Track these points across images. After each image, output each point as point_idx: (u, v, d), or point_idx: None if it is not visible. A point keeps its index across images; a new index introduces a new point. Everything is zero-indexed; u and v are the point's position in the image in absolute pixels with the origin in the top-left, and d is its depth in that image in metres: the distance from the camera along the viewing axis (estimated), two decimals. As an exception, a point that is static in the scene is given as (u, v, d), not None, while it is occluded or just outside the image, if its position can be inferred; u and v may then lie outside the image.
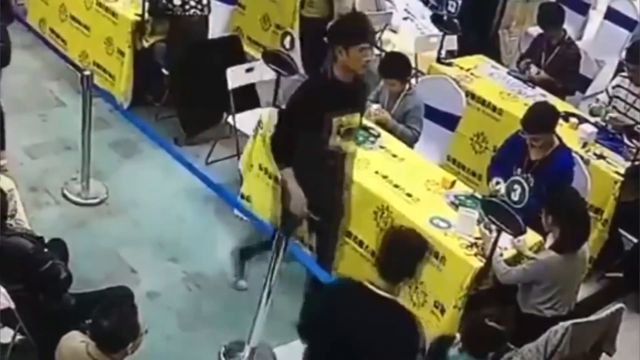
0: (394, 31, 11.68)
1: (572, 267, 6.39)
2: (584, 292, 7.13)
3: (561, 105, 8.61)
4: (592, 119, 8.69)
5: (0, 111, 7.78)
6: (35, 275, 5.73)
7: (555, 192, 6.75)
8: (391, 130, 7.97)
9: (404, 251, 4.86)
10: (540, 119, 7.31)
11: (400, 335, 4.77)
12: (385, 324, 4.78)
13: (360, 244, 7.17)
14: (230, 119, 8.65)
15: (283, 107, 6.55)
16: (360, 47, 6.04)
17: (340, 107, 6.30)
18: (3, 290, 5.50)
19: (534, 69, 9.42)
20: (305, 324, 5.15)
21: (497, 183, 7.27)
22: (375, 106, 8.09)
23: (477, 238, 6.58)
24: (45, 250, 5.95)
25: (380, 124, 8.01)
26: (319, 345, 5.07)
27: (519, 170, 7.17)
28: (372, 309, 4.79)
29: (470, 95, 8.94)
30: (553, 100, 8.73)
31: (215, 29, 9.78)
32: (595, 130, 8.37)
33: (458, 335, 5.71)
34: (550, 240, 6.52)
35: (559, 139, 7.35)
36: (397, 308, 4.82)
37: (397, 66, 8.13)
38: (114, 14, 9.46)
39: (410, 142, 7.98)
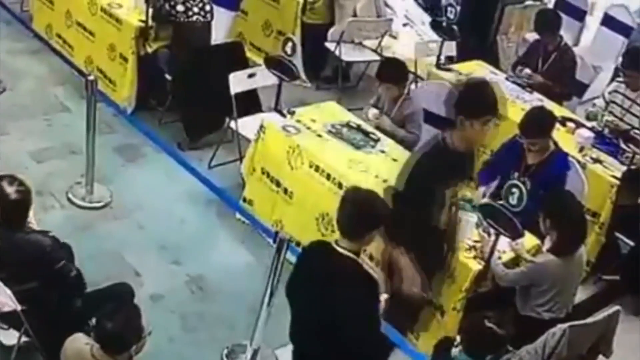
0: (394, 37, 11.71)
1: (570, 269, 6.38)
2: (581, 295, 7.13)
3: (558, 110, 8.62)
4: (589, 124, 8.69)
5: None
6: (50, 273, 5.73)
7: (552, 195, 6.76)
8: (392, 135, 7.97)
9: (356, 209, 5.06)
10: (538, 124, 7.31)
11: (351, 285, 5.01)
12: (339, 275, 5.04)
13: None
14: (232, 124, 8.65)
15: (399, 188, 6.14)
16: (485, 119, 5.87)
17: (455, 178, 6.20)
18: (9, 292, 5.50)
19: (527, 71, 9.42)
20: (286, 286, 5.39)
21: (484, 195, 7.28)
22: (373, 111, 8.09)
23: (476, 241, 6.59)
24: (61, 248, 5.96)
25: (381, 128, 8.02)
26: (294, 304, 5.33)
27: (516, 174, 7.16)
28: (329, 263, 5.10)
29: (469, 100, 8.91)
30: (550, 105, 8.72)
31: (218, 35, 9.76)
32: (592, 134, 8.36)
33: (458, 338, 5.70)
34: (547, 243, 6.52)
35: (555, 143, 7.35)
36: (353, 264, 5.06)
37: (393, 71, 8.15)
38: (118, 20, 9.48)
39: (411, 146, 7.96)
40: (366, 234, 5.08)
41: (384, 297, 5.37)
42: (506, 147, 7.59)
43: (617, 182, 7.85)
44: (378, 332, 5.22)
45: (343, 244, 5.06)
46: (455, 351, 5.61)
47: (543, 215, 6.44)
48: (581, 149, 8.19)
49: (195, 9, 9.10)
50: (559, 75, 9.37)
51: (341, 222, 5.10)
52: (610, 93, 8.91)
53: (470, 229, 6.65)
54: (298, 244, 7.44)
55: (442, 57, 9.62)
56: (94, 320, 5.23)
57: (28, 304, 5.57)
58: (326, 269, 5.11)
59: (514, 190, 6.16)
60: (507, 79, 9.54)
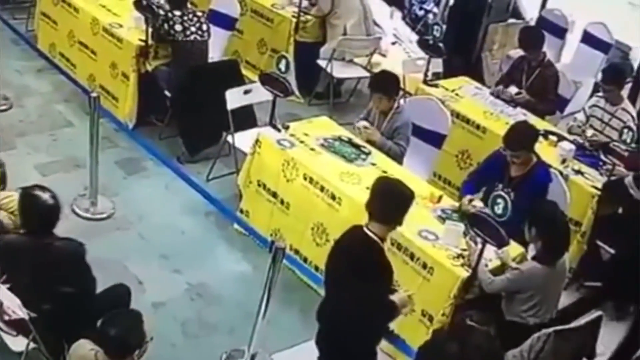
0: (384, 55, 11.73)
1: (553, 276, 6.39)
2: (564, 301, 7.13)
3: (541, 124, 8.67)
4: (570, 137, 8.72)
5: None
6: (83, 277, 5.83)
7: (538, 205, 6.77)
8: (379, 147, 7.99)
9: (389, 197, 5.61)
10: (521, 137, 7.35)
11: (374, 273, 5.43)
12: (366, 260, 5.44)
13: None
14: (229, 138, 8.63)
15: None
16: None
17: None
18: (18, 301, 5.51)
19: (513, 89, 9.45)
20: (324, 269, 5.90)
21: (470, 200, 7.31)
22: (362, 123, 8.10)
23: (463, 249, 6.60)
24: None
25: (369, 141, 8.03)
26: (326, 284, 5.85)
27: (500, 185, 7.19)
28: (359, 246, 5.51)
29: (456, 114, 8.95)
30: (533, 119, 8.77)
31: (215, 53, 9.78)
32: (573, 147, 8.40)
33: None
34: (532, 251, 6.54)
35: (537, 156, 7.38)
36: (378, 248, 5.50)
37: (384, 82, 8.13)
38: (119, 39, 9.49)
39: (397, 157, 7.99)
40: (397, 218, 5.52)
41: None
42: (490, 160, 7.62)
43: (598, 192, 7.89)
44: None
45: (372, 227, 5.49)
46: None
47: (529, 224, 6.45)
48: (563, 161, 8.23)
49: (193, 29, 9.12)
50: (542, 89, 9.40)
51: (372, 207, 5.56)
52: (590, 107, 8.97)
53: (457, 238, 6.68)
54: (297, 252, 7.51)
55: (429, 74, 9.62)
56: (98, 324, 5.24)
57: (53, 305, 5.62)
58: (356, 249, 5.50)
59: (499, 200, 6.18)
60: (491, 93, 9.57)
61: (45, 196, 5.80)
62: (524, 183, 7.24)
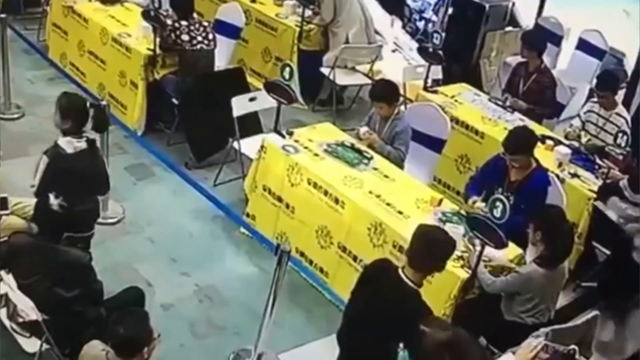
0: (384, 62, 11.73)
1: (553, 280, 6.39)
2: (561, 301, 7.12)
3: (538, 129, 8.67)
4: (567, 142, 8.73)
5: None
6: (88, 283, 5.88)
7: (545, 210, 6.79)
8: (379, 152, 8.00)
9: (430, 245, 5.28)
10: (520, 141, 7.36)
11: (408, 318, 4.99)
12: (400, 305, 5.20)
13: (355, 258, 7.21)
14: (235, 144, 8.65)
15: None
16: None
17: None
18: (31, 303, 5.53)
19: (515, 100, 9.47)
20: (352, 293, 5.66)
21: (474, 202, 7.36)
22: (364, 129, 8.12)
23: (463, 251, 6.61)
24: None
25: (370, 146, 8.04)
26: (350, 309, 5.65)
27: (500, 189, 7.21)
28: (393, 287, 5.26)
29: (455, 120, 8.96)
30: (531, 124, 8.77)
31: (221, 62, 9.82)
32: (569, 151, 8.40)
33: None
34: (532, 253, 6.53)
35: (537, 161, 7.39)
36: (414, 295, 5.24)
37: (384, 91, 8.14)
38: (127, 49, 9.52)
39: (397, 162, 8.01)
40: (432, 268, 5.27)
41: None
42: (491, 164, 7.63)
43: (594, 195, 7.90)
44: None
45: (408, 272, 5.26)
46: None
47: (534, 228, 6.44)
48: (560, 165, 8.24)
49: (199, 38, 9.15)
50: (539, 94, 9.42)
51: (410, 254, 5.30)
52: (585, 113, 8.98)
53: (457, 240, 6.68)
54: (302, 254, 7.52)
55: (429, 81, 9.64)
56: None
57: (63, 308, 5.67)
58: (390, 292, 5.26)
59: (498, 204, 6.18)
60: (489, 100, 9.59)
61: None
62: (523, 187, 7.26)
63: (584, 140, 8.72)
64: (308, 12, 10.79)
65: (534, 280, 6.29)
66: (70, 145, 6.39)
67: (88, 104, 6.66)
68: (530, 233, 6.47)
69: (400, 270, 5.27)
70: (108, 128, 6.77)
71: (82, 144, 6.44)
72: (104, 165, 6.77)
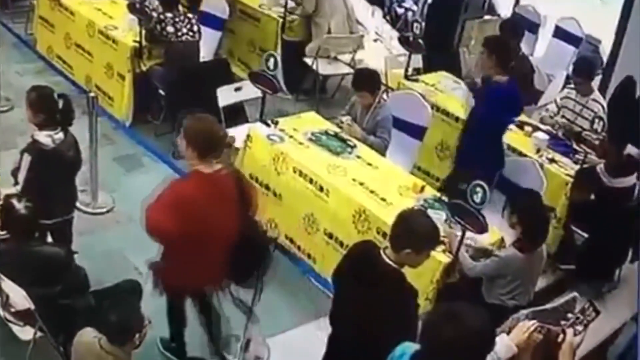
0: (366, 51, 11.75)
1: (531, 263, 6.44)
2: (540, 283, 7.17)
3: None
4: (544, 127, 8.78)
5: None
6: (69, 277, 5.89)
7: (521, 195, 6.86)
8: (362, 141, 8.03)
9: (407, 226, 5.12)
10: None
11: (394, 298, 5.06)
12: (382, 282, 5.10)
13: (341, 244, 7.25)
14: (221, 134, 8.66)
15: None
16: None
17: None
18: (23, 292, 5.55)
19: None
20: (333, 274, 5.50)
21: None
22: (345, 118, 8.15)
23: (444, 236, 6.63)
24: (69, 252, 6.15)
25: (352, 135, 8.07)
26: (337, 292, 5.50)
27: None
28: (374, 268, 5.14)
29: (435, 107, 9.00)
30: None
31: (206, 53, 9.83)
32: (547, 137, 8.46)
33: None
34: (510, 237, 6.59)
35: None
36: (398, 276, 5.11)
37: (366, 80, 8.17)
38: (114, 41, 9.52)
39: (380, 150, 8.03)
40: (403, 249, 5.07)
41: None
42: None
43: (571, 179, 7.96)
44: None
45: (390, 254, 5.11)
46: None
47: (510, 211, 6.50)
48: (538, 150, 8.30)
49: (184, 30, 9.16)
50: (518, 82, 9.43)
51: (394, 238, 5.16)
52: (562, 99, 9.01)
53: (439, 225, 6.72)
54: (291, 240, 7.53)
55: (410, 69, 9.67)
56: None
57: (49, 303, 5.68)
58: (371, 273, 5.16)
59: (478, 189, 6.21)
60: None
61: (20, 206, 5.80)
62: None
63: (558, 119, 8.78)
64: (291, 4, 10.80)
65: (513, 264, 6.35)
66: (49, 139, 6.28)
67: (56, 95, 6.58)
68: (507, 216, 6.52)
69: (382, 251, 5.19)
70: (73, 120, 6.69)
71: (60, 135, 6.37)
72: (78, 146, 6.70)
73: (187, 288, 6.05)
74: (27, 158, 6.28)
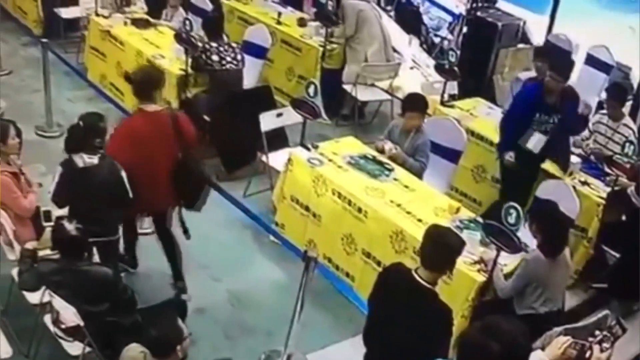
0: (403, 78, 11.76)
1: (555, 268, 6.39)
2: (572, 302, 7.14)
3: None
4: (576, 151, 8.73)
5: None
6: (116, 295, 5.99)
7: (540, 205, 6.85)
8: (402, 164, 8.03)
9: (442, 245, 5.17)
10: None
11: (428, 317, 5.11)
12: (418, 306, 5.14)
13: (378, 263, 7.23)
14: (264, 158, 8.73)
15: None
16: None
17: None
18: (73, 309, 5.60)
19: None
20: (369, 297, 5.54)
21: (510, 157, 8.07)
22: (389, 144, 8.13)
23: (480, 257, 6.63)
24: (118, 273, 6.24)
25: (391, 158, 8.07)
26: (373, 313, 5.51)
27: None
28: (408, 289, 5.18)
29: (470, 132, 9.00)
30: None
31: (249, 80, 9.88)
32: (579, 160, 8.41)
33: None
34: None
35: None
36: (431, 295, 5.13)
37: (418, 102, 8.18)
38: (161, 69, 9.57)
39: (418, 173, 8.03)
40: (445, 267, 5.21)
41: None
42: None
43: (603, 201, 7.91)
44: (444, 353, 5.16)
45: (421, 273, 5.15)
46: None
47: (530, 220, 6.48)
48: (570, 173, 8.25)
49: (228, 58, 9.23)
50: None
51: (421, 255, 5.21)
52: (594, 124, 8.97)
53: (474, 246, 6.70)
54: (329, 260, 7.54)
55: (446, 95, 9.68)
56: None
57: (97, 320, 5.76)
58: (406, 294, 5.20)
59: (512, 211, 6.19)
60: (503, 113, 9.57)
61: (70, 227, 5.90)
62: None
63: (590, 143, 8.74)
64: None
65: (539, 268, 6.31)
66: (81, 159, 6.44)
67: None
68: (529, 225, 6.49)
69: (413, 271, 5.21)
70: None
71: (93, 160, 6.46)
72: (118, 177, 6.75)
73: (141, 206, 6.93)
74: (59, 170, 6.54)
